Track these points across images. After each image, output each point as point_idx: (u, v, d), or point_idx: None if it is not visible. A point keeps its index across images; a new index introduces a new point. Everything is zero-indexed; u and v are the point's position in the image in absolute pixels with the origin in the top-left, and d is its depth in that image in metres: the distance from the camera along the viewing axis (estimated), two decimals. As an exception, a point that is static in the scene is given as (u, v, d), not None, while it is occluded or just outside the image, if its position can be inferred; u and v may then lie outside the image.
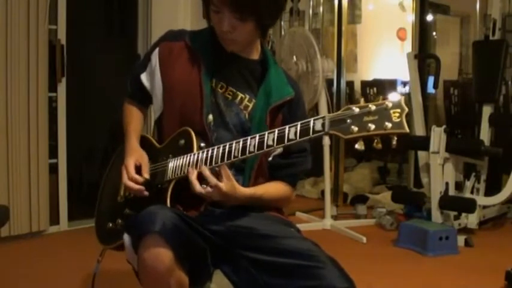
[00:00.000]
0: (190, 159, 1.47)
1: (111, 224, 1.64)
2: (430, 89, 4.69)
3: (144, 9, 4.12)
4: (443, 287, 2.81)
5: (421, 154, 4.07)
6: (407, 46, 5.56)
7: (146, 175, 1.57)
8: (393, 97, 1.21)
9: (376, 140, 1.21)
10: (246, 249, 1.45)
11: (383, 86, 5.91)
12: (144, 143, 1.69)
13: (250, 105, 1.58)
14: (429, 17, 5.28)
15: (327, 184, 4.07)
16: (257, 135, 1.36)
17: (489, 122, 3.90)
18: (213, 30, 1.56)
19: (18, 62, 3.29)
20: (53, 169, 3.63)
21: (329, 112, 3.76)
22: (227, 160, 1.40)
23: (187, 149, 1.50)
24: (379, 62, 6.66)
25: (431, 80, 4.48)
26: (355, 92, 6.18)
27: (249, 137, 1.38)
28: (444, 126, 3.62)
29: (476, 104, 4.18)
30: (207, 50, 1.59)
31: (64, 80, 3.64)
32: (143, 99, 1.74)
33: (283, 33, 4.97)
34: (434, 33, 5.85)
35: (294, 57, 3.90)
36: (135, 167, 1.58)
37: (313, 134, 1.27)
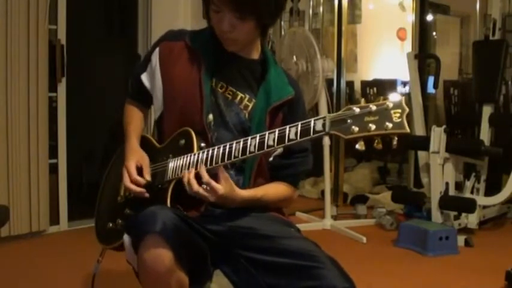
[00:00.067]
0: (190, 159, 1.47)
1: (111, 224, 1.64)
2: (430, 89, 4.69)
3: (144, 9, 4.12)
4: (443, 287, 2.80)
5: (421, 154, 4.07)
6: (407, 46, 5.56)
7: (148, 177, 1.56)
8: (394, 97, 1.20)
9: (376, 140, 1.21)
10: (246, 250, 1.45)
11: (383, 86, 5.91)
12: (144, 143, 1.69)
13: (250, 105, 1.58)
14: (429, 17, 5.28)
15: (327, 184, 4.07)
16: (257, 135, 1.36)
17: (489, 122, 3.90)
18: (213, 30, 1.56)
19: (18, 62, 3.28)
20: (53, 169, 3.62)
21: (329, 112, 3.76)
22: (227, 160, 1.40)
23: (188, 149, 1.50)
24: (379, 62, 6.66)
25: (431, 80, 4.48)
26: (355, 92, 6.18)
27: (249, 137, 1.38)
28: (444, 126, 3.62)
29: (476, 104, 4.18)
30: (207, 49, 1.59)
31: (64, 80, 3.64)
32: (144, 99, 1.74)
33: (283, 33, 4.96)
34: (434, 33, 5.85)
35: (294, 57, 3.90)
36: (136, 168, 1.58)
37: (313, 134, 1.27)
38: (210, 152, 1.43)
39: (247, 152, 1.37)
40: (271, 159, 1.60)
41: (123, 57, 4.57)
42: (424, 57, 4.60)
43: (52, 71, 3.54)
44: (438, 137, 3.60)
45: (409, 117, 1.20)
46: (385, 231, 3.82)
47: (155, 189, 1.55)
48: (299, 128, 1.29)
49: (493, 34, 3.94)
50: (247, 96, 1.59)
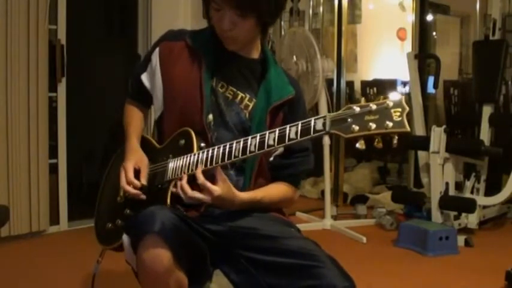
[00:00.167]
0: (190, 159, 1.47)
1: (110, 225, 1.64)
2: (430, 89, 4.69)
3: (144, 9, 4.12)
4: (443, 287, 2.80)
5: (421, 154, 4.07)
6: (407, 46, 5.56)
7: (144, 181, 1.56)
8: (394, 96, 1.20)
9: (376, 139, 1.21)
10: (246, 250, 1.45)
11: (383, 86, 5.91)
12: (144, 143, 1.69)
13: (251, 105, 1.58)
14: (429, 17, 5.28)
15: (327, 184, 4.07)
16: (258, 134, 1.36)
17: (489, 122, 3.90)
18: (214, 29, 1.56)
19: (18, 62, 3.28)
20: (53, 169, 3.62)
21: (329, 112, 3.76)
22: (227, 160, 1.40)
23: (188, 149, 1.50)
24: (379, 62, 6.66)
25: (431, 80, 4.48)
26: (355, 92, 6.18)
27: (249, 137, 1.38)
28: (444, 126, 3.62)
29: (476, 104, 4.18)
30: (208, 49, 1.59)
31: (64, 80, 3.64)
32: (144, 99, 1.74)
33: (283, 33, 4.97)
34: (434, 33, 5.85)
35: (294, 57, 3.90)
36: (134, 170, 1.58)
37: (314, 133, 1.27)
38: (210, 152, 1.43)
39: (248, 152, 1.37)
40: (271, 159, 1.60)
41: (123, 57, 4.57)
42: (424, 57, 4.60)
43: (52, 71, 3.54)
44: (438, 137, 3.60)
45: (409, 117, 1.20)
46: (385, 231, 3.82)
47: (155, 189, 1.55)
48: (299, 128, 1.29)
49: (493, 34, 3.94)
50: (248, 95, 1.59)
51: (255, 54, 1.63)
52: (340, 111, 1.24)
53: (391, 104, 1.19)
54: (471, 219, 3.70)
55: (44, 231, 3.52)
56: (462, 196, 3.74)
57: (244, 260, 1.44)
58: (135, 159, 1.61)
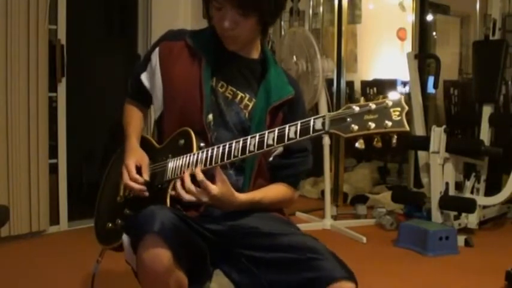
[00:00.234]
0: (190, 159, 1.47)
1: (110, 224, 1.64)
2: (430, 89, 4.69)
3: (144, 9, 4.12)
4: (443, 287, 2.80)
5: (421, 154, 4.07)
6: (407, 46, 5.56)
7: (146, 176, 1.56)
8: (393, 96, 1.20)
9: (376, 139, 1.21)
10: (246, 248, 1.45)
11: (383, 86, 5.91)
12: (144, 143, 1.69)
13: (251, 105, 1.58)
14: (429, 17, 5.28)
15: (327, 184, 4.07)
16: (257, 134, 1.36)
17: (489, 122, 3.90)
18: (214, 29, 1.56)
19: (18, 62, 3.28)
20: (53, 169, 3.62)
21: (329, 112, 3.76)
22: (227, 160, 1.40)
23: (187, 149, 1.50)
24: (379, 62, 6.66)
25: (431, 80, 4.48)
26: (355, 92, 6.18)
27: (249, 137, 1.38)
28: (444, 126, 3.62)
29: (476, 104, 4.18)
30: (208, 49, 1.59)
31: (64, 80, 3.64)
32: (144, 99, 1.74)
33: (283, 33, 4.97)
34: (434, 33, 5.85)
35: (294, 57, 3.90)
36: (135, 167, 1.58)
37: (313, 133, 1.27)
38: (210, 151, 1.43)
39: (247, 152, 1.37)
40: (271, 159, 1.60)
41: (123, 57, 4.57)
42: (424, 57, 4.60)
43: (52, 71, 3.53)
44: (438, 137, 3.60)
45: (409, 117, 1.20)
46: (385, 231, 3.82)
47: (155, 189, 1.55)
48: (299, 127, 1.29)
49: (493, 34, 3.94)
50: (248, 95, 1.59)
51: (255, 54, 1.63)
52: (339, 111, 1.24)
53: (390, 103, 1.19)
54: (471, 219, 3.70)
55: (44, 231, 3.52)
56: (462, 196, 3.74)
57: (245, 259, 1.44)
58: (136, 157, 1.61)
